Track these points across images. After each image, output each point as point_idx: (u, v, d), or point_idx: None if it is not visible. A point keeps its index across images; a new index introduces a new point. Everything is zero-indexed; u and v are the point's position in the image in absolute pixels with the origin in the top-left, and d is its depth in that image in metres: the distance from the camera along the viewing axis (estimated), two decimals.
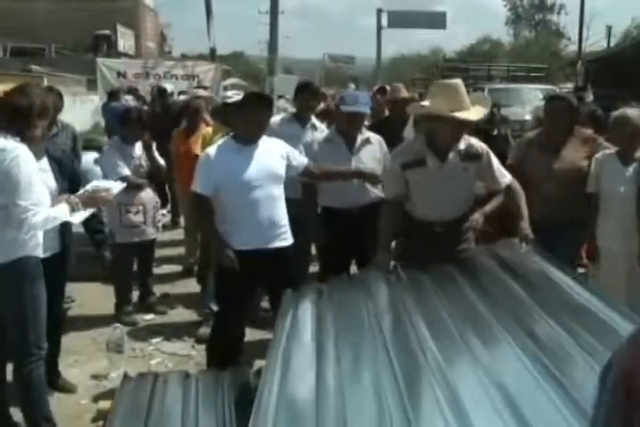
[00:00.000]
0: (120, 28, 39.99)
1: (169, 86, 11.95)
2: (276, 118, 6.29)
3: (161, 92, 10.83)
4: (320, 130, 6.36)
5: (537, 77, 24.20)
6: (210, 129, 6.91)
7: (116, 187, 4.36)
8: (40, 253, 3.80)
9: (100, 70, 17.61)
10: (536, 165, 5.40)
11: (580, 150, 5.44)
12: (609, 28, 39.53)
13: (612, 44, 37.98)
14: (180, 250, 7.91)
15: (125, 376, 4.25)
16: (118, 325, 5.34)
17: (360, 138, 5.54)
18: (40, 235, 3.78)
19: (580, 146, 5.46)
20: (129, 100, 13.17)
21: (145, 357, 5.40)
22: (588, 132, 5.80)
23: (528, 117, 11.79)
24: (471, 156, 4.57)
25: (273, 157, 4.75)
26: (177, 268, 7.61)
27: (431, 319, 3.49)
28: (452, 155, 4.54)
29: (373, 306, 3.80)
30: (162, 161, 6.30)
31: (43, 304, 3.83)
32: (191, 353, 5.50)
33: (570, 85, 25.80)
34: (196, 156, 6.36)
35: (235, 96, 6.77)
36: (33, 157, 3.64)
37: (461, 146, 4.54)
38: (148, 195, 6.08)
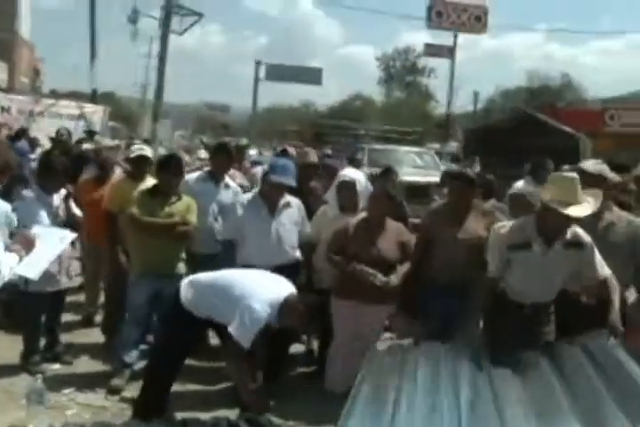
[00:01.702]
0: None
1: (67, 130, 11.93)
2: (191, 176, 6.57)
3: (61, 137, 10.79)
4: (233, 189, 6.66)
5: (413, 140, 25.33)
6: (121, 179, 7.10)
7: (69, 237, 4.45)
8: None
9: None
10: (442, 234, 5.88)
11: (480, 222, 5.94)
12: (475, 94, 41.76)
13: (478, 107, 40.14)
14: (79, 297, 7.89)
15: None
16: (39, 375, 5.33)
17: (281, 202, 5.87)
18: None
19: (480, 218, 5.98)
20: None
21: (60, 408, 5.40)
22: (487, 206, 6.31)
23: (405, 178, 12.37)
24: (575, 244, 4.87)
25: None
26: (76, 317, 7.59)
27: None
28: (557, 242, 4.83)
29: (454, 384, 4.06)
30: (78, 211, 6.36)
31: None
32: (105, 404, 5.55)
33: (436, 145, 26.99)
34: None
35: (140, 151, 6.99)
36: None
37: (568, 234, 4.84)
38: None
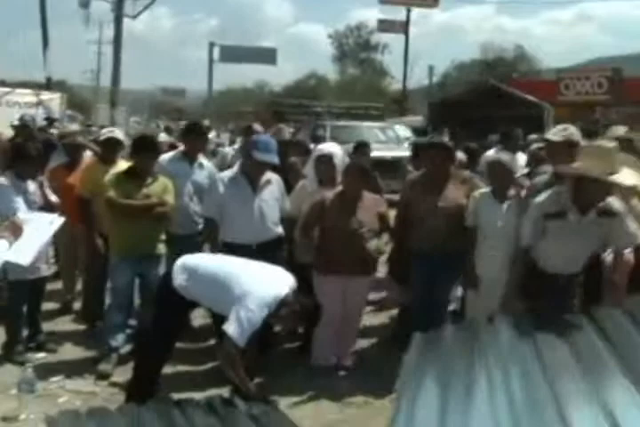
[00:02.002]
0: None
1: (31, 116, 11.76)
2: (165, 156, 6.50)
3: (24, 125, 10.60)
4: (207, 169, 6.61)
5: (377, 115, 25.36)
6: (92, 163, 7.03)
7: (57, 221, 4.38)
8: None
9: None
10: (422, 203, 5.92)
11: (459, 190, 5.99)
12: (431, 68, 41.80)
13: (434, 82, 40.27)
14: (55, 285, 7.79)
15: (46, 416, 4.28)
16: (29, 364, 5.29)
17: (263, 178, 5.83)
18: None
19: (459, 186, 6.02)
20: None
21: (50, 395, 5.35)
22: (465, 173, 6.34)
23: (373, 154, 12.37)
24: (609, 213, 4.85)
25: None
26: (55, 305, 7.49)
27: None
28: (592, 210, 4.82)
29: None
30: (54, 197, 6.26)
31: None
32: (95, 390, 5.50)
33: (413, 118, 26.96)
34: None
35: (110, 133, 6.95)
36: None
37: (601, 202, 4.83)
38: None
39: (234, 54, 37.74)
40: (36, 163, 6.01)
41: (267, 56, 38.74)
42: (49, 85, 22.60)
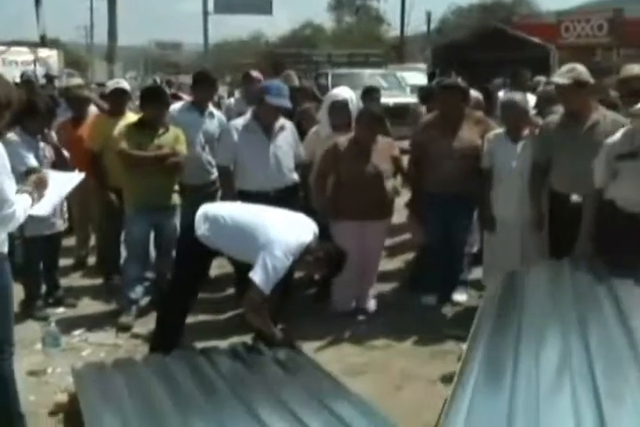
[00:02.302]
0: None
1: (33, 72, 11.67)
2: (175, 107, 6.44)
3: (50, 79, 10.49)
4: (218, 118, 6.55)
5: (379, 62, 25.14)
6: (100, 116, 6.98)
7: (77, 177, 4.35)
8: (5, 249, 3.73)
9: None
10: (437, 145, 5.87)
11: (473, 130, 5.94)
12: (428, 14, 41.33)
13: (431, 27, 39.78)
14: (69, 242, 7.78)
15: (73, 369, 4.31)
16: (52, 319, 5.31)
17: (276, 125, 5.77)
18: None
19: (473, 126, 5.97)
20: None
21: (74, 349, 5.37)
22: (479, 114, 6.26)
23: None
24: None
25: None
26: (68, 260, 7.48)
27: None
28: None
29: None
30: (66, 152, 6.20)
31: (13, 300, 3.80)
32: (118, 342, 5.53)
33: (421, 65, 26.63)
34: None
35: (116, 84, 6.88)
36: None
37: None
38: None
39: (228, 4, 37.05)
40: (45, 118, 5.93)
41: (262, 6, 37.83)
42: (44, 43, 22.31)
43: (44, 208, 3.89)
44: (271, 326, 4.51)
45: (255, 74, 8.25)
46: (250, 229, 4.53)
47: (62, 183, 4.32)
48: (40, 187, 3.84)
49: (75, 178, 4.37)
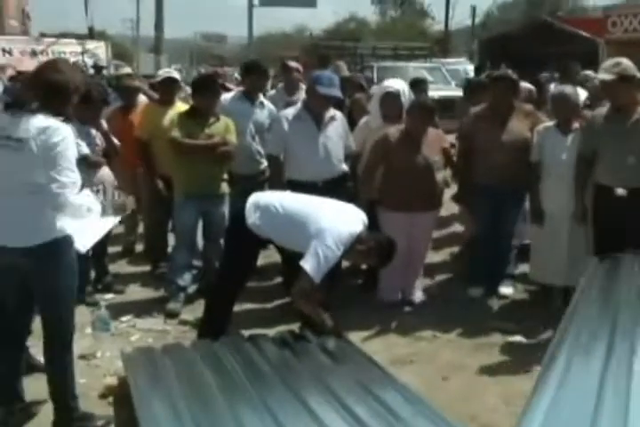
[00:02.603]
0: None
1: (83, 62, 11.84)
2: (226, 96, 6.49)
3: (98, 70, 10.61)
4: (268, 108, 6.59)
5: (425, 55, 25.05)
6: (150, 105, 7.04)
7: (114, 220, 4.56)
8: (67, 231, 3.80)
9: None
10: (486, 137, 5.86)
11: (523, 123, 5.93)
12: (473, 8, 40.98)
13: (476, 23, 39.44)
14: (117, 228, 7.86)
15: (122, 353, 4.36)
16: (102, 303, 5.39)
17: (327, 115, 5.79)
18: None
19: (522, 119, 5.95)
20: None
21: (122, 334, 5.46)
22: (528, 107, 6.23)
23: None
24: None
25: None
26: (116, 247, 7.57)
27: None
28: None
29: None
30: (116, 140, 6.28)
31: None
32: (166, 328, 5.61)
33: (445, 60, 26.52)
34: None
35: (167, 73, 6.95)
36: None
37: None
38: (106, 173, 6.05)
39: None
40: (98, 107, 6.01)
41: None
42: (92, 35, 22.59)
43: (83, 245, 3.96)
44: (321, 312, 4.52)
45: (292, 64, 8.21)
46: (301, 217, 4.53)
47: (103, 224, 4.40)
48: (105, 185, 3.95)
49: (112, 221, 4.46)
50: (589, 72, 9.09)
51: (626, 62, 5.26)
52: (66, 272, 3.82)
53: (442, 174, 5.83)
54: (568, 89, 5.91)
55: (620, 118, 5.24)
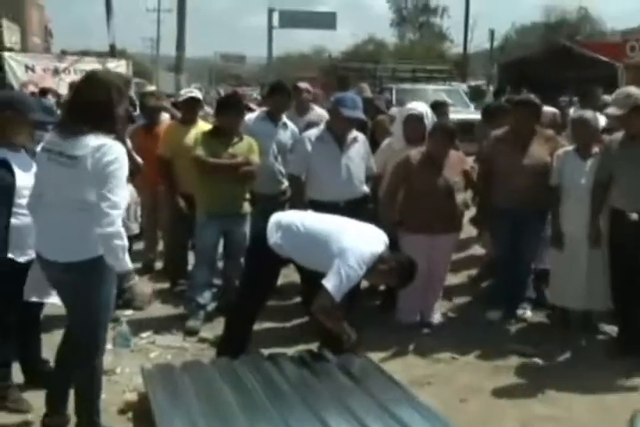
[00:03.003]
0: (5, 22, 38.54)
1: None
2: (250, 116, 6.56)
3: None
4: (291, 129, 6.65)
5: (444, 78, 25.17)
6: (173, 124, 7.12)
7: None
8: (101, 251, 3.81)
9: (8, 65, 17.09)
10: (507, 160, 5.91)
11: (543, 147, 5.97)
12: (492, 32, 41.11)
13: (494, 47, 39.55)
14: (137, 246, 7.92)
15: (142, 369, 4.41)
16: (123, 319, 5.43)
17: (349, 137, 5.86)
18: None
19: (543, 143, 5.99)
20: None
21: (142, 350, 5.50)
22: (549, 132, 6.27)
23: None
24: None
25: None
26: (136, 264, 7.59)
27: None
28: None
29: None
30: (139, 158, 6.34)
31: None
32: (184, 345, 5.63)
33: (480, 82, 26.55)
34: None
35: (190, 93, 7.03)
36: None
37: None
38: (130, 190, 6.10)
39: (293, 19, 37.43)
40: (124, 123, 6.08)
41: (326, 21, 38.30)
42: (113, 53, 22.75)
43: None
44: (344, 325, 4.54)
45: (302, 85, 8.26)
46: (323, 237, 4.56)
47: None
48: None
49: None
50: (608, 97, 9.14)
51: (635, 92, 5.36)
52: (107, 289, 3.84)
53: (462, 196, 5.84)
54: (588, 114, 5.94)
55: (635, 144, 5.32)
